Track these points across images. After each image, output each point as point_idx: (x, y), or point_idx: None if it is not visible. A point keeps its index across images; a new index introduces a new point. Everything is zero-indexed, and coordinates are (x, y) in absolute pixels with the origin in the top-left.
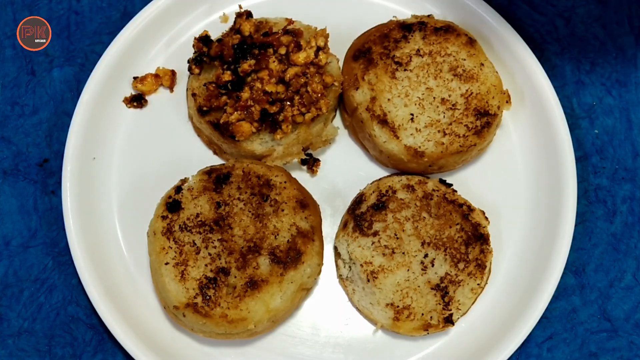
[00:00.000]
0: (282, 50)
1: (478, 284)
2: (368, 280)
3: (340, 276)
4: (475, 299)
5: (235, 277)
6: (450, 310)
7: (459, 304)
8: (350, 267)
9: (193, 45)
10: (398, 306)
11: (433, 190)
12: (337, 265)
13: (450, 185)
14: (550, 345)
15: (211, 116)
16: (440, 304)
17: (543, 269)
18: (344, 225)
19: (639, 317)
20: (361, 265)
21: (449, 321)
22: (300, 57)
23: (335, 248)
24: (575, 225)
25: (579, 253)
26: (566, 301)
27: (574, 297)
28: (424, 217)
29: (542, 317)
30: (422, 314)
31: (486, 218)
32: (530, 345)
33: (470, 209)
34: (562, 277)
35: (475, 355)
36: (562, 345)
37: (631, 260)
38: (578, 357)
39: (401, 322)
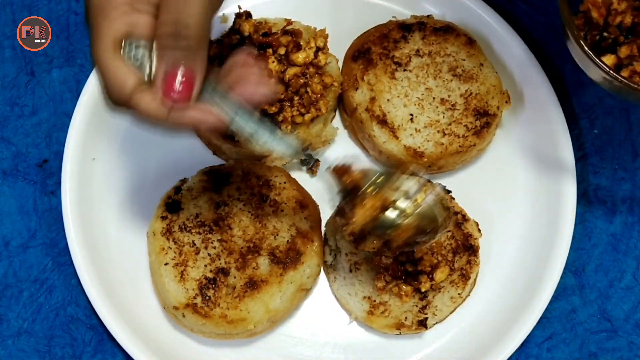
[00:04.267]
0: (282, 51)
1: (459, 294)
2: (350, 271)
3: (324, 262)
4: (455, 308)
5: (235, 277)
6: (426, 314)
7: (436, 310)
8: (335, 255)
9: None
10: (375, 300)
11: None
12: (323, 252)
13: (450, 192)
14: (550, 345)
15: None
16: (416, 307)
17: (543, 269)
18: (335, 213)
19: (638, 317)
20: (346, 254)
21: (422, 324)
22: (300, 57)
23: (325, 234)
24: (575, 225)
25: (578, 253)
26: (566, 301)
27: (573, 297)
28: None
29: (541, 318)
30: (397, 313)
31: (479, 230)
32: (530, 345)
33: (465, 218)
34: (561, 277)
35: (475, 355)
36: (562, 346)
37: (631, 260)
38: (578, 357)
39: (375, 316)
